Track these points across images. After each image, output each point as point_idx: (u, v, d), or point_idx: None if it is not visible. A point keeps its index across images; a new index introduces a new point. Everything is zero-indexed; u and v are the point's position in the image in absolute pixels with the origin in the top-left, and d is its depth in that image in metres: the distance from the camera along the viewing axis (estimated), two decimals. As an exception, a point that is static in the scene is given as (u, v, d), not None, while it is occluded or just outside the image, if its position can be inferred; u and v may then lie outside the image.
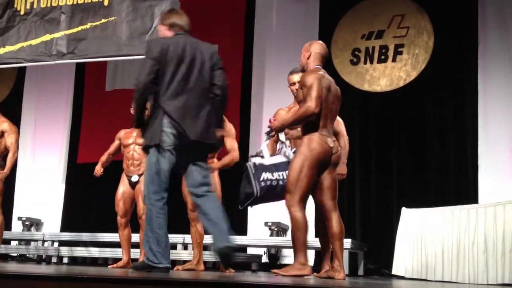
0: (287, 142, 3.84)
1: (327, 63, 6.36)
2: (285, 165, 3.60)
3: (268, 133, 3.64)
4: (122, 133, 5.01)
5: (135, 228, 4.82)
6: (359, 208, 6.10)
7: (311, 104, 3.40)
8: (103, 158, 5.02)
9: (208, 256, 5.46)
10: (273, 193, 3.59)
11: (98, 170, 4.97)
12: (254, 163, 3.63)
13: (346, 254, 5.46)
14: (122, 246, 4.82)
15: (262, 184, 3.57)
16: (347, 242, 5.43)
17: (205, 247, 5.67)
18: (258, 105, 6.71)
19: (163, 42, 3.42)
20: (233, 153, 4.45)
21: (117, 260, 5.16)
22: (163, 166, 3.36)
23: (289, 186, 3.43)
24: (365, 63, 6.42)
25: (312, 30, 6.57)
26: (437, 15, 6.18)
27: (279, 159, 3.67)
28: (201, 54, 3.48)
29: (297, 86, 3.91)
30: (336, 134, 3.82)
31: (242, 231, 6.23)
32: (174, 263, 5.52)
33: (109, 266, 4.90)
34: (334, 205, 3.53)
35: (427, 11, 6.23)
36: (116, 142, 4.99)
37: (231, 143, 4.47)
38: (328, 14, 6.56)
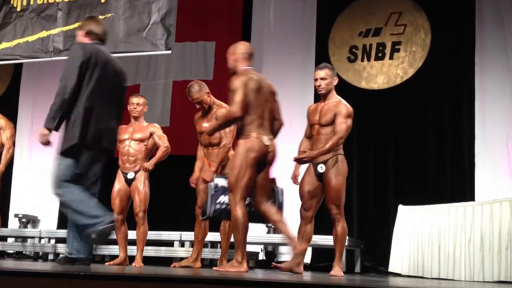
0: None
1: (324, 60, 6.43)
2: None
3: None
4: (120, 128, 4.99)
5: (132, 225, 4.81)
6: (356, 206, 6.10)
7: (233, 108, 3.55)
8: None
9: (207, 253, 5.47)
10: (227, 215, 3.70)
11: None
12: (216, 185, 3.76)
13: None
14: (118, 244, 4.82)
15: (217, 206, 3.72)
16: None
17: (204, 245, 5.69)
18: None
19: (90, 47, 3.52)
20: (221, 143, 4.45)
21: (114, 257, 5.15)
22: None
23: (230, 186, 3.58)
24: (362, 60, 6.42)
25: (309, 27, 6.58)
26: (434, 13, 6.19)
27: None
28: (114, 66, 3.64)
29: (319, 82, 4.08)
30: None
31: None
32: (171, 260, 5.53)
33: (106, 263, 4.90)
34: (266, 200, 3.66)
35: (424, 8, 6.23)
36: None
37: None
38: (326, 11, 6.56)
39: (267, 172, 3.66)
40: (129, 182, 4.75)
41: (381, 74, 6.34)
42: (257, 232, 6.07)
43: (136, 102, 4.86)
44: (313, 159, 3.95)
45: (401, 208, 5.22)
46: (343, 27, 6.54)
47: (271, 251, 5.98)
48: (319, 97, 4.22)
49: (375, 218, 6.01)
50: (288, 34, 6.65)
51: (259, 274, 3.75)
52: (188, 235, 5.53)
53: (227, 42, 6.93)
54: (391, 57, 6.30)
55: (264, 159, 3.60)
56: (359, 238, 5.90)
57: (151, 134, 4.83)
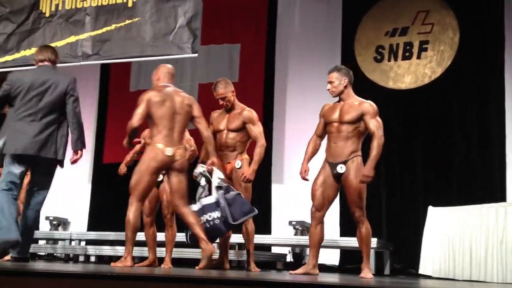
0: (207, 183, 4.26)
1: (350, 61, 6.39)
2: (213, 206, 4.14)
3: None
4: (146, 132, 5.05)
5: (161, 227, 4.85)
6: (385, 207, 6.04)
7: (131, 120, 4.05)
8: (128, 157, 5.08)
9: (233, 255, 5.48)
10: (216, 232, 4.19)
11: (122, 168, 5.05)
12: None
13: (372, 253, 5.43)
14: (148, 245, 4.86)
15: (206, 225, 4.13)
16: (373, 241, 5.40)
17: (231, 247, 5.70)
18: (281, 106, 6.70)
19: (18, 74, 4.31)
20: (259, 144, 4.44)
21: (143, 259, 5.20)
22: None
23: (130, 188, 4.05)
24: (389, 60, 6.36)
25: (335, 28, 6.54)
26: (462, 11, 6.10)
27: (205, 201, 4.19)
28: (55, 83, 4.16)
29: (328, 86, 4.13)
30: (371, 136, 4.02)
31: (266, 230, 6.23)
32: (197, 261, 5.55)
33: (135, 265, 4.94)
34: (184, 203, 4.07)
35: (452, 7, 6.14)
36: (143, 141, 5.02)
37: (255, 131, 4.46)
38: (351, 12, 6.52)
39: (179, 177, 4.06)
40: (157, 184, 4.79)
41: (409, 74, 6.27)
42: (284, 234, 6.08)
43: None
44: (373, 171, 3.89)
45: (431, 209, 5.15)
46: (369, 27, 6.49)
47: (299, 253, 5.96)
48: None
49: (404, 220, 5.94)
50: (313, 35, 6.63)
51: (287, 276, 3.75)
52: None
53: (252, 44, 7.00)
54: (418, 57, 6.23)
55: (167, 167, 4.06)
56: (388, 240, 5.84)
57: None
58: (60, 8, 6.01)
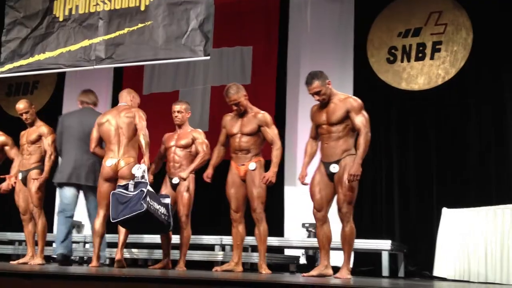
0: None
1: (363, 61, 6.36)
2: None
3: None
4: (165, 136, 5.08)
5: (175, 229, 4.86)
6: (398, 209, 6.01)
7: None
8: (152, 166, 5.01)
9: (246, 257, 5.47)
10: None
11: (150, 179, 4.87)
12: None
13: (386, 255, 5.40)
14: (162, 248, 4.88)
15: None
16: (387, 243, 5.36)
17: (244, 249, 5.69)
18: (293, 108, 6.67)
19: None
20: (276, 147, 4.47)
21: (157, 261, 5.21)
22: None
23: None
24: (402, 61, 6.33)
25: (347, 29, 6.52)
26: (476, 11, 6.05)
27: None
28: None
29: (316, 97, 4.12)
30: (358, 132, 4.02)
31: (279, 232, 6.22)
32: (212, 264, 5.55)
33: (149, 267, 4.96)
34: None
35: (465, 7, 6.10)
36: (162, 147, 5.05)
37: (271, 134, 4.48)
38: (364, 12, 6.50)
39: (112, 186, 4.69)
40: (174, 186, 4.81)
41: (422, 75, 6.23)
42: (297, 236, 6.06)
43: (177, 110, 4.94)
44: (360, 169, 3.89)
45: (445, 211, 5.10)
46: (381, 28, 6.47)
47: (312, 256, 5.93)
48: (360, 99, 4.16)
49: (418, 221, 5.89)
50: (325, 36, 6.61)
51: (300, 278, 3.73)
52: (229, 239, 5.54)
53: (264, 46, 7.00)
54: (431, 57, 6.19)
55: (113, 176, 4.75)
56: (402, 242, 5.80)
57: (194, 140, 4.88)
58: (73, 12, 6.06)
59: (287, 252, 6.21)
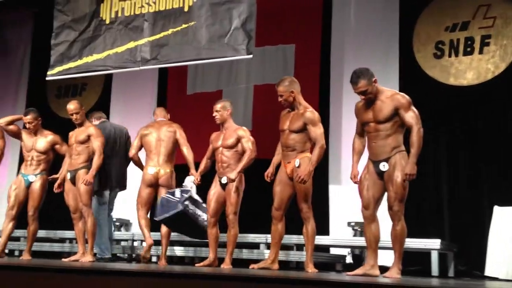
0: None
1: (408, 57, 6.23)
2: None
3: None
4: (213, 136, 5.13)
5: (223, 228, 4.90)
6: (447, 208, 5.85)
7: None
8: (201, 166, 5.09)
9: (283, 256, 5.46)
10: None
11: (196, 179, 5.02)
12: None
13: (435, 255, 5.27)
14: (209, 245, 4.92)
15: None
16: (436, 243, 5.24)
17: (289, 247, 5.68)
18: (337, 106, 6.60)
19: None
20: (318, 145, 4.43)
21: (203, 259, 5.26)
22: None
23: None
24: (449, 56, 6.17)
25: (392, 24, 6.40)
26: (527, 3, 5.84)
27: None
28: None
29: (362, 96, 4.06)
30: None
31: (324, 231, 6.17)
32: (256, 262, 5.55)
33: (195, 265, 5.01)
34: None
35: (515, -1, 5.89)
36: (210, 146, 5.10)
37: (314, 132, 4.45)
38: (409, 7, 6.36)
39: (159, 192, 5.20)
40: (223, 186, 4.86)
41: (471, 70, 6.05)
42: (343, 235, 5.99)
43: (216, 110, 5.01)
44: (415, 168, 3.82)
45: (496, 209, 4.95)
46: (428, 23, 6.32)
47: (359, 255, 5.86)
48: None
49: (468, 220, 5.72)
50: (369, 32, 6.51)
51: (346, 277, 3.69)
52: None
53: (307, 44, 6.94)
54: (480, 52, 6.00)
55: (154, 183, 5.23)
56: (452, 241, 5.65)
57: (239, 139, 4.90)
58: (119, 14, 6.18)
59: (333, 251, 6.15)
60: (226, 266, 4.73)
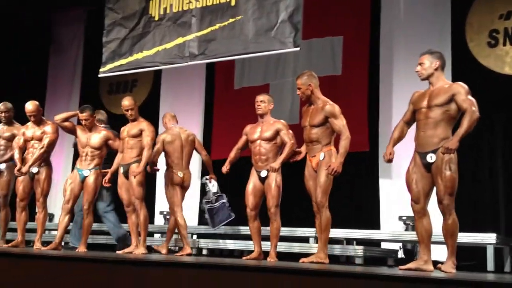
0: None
1: (461, 46, 6.05)
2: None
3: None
4: (248, 128, 5.13)
5: (265, 221, 4.91)
6: (503, 200, 5.67)
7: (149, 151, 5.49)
8: (232, 154, 5.17)
9: (339, 250, 5.42)
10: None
11: (226, 167, 5.12)
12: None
13: (490, 249, 5.12)
14: (253, 238, 4.94)
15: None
16: (492, 237, 5.09)
17: (338, 241, 5.63)
18: (387, 99, 6.47)
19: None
20: (343, 137, 4.47)
21: (249, 252, 5.29)
22: None
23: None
24: (504, 44, 5.95)
25: (443, 13, 6.22)
26: None
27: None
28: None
29: (418, 68, 4.03)
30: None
31: (375, 225, 6.09)
32: (306, 256, 5.54)
33: (243, 258, 5.05)
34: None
35: None
36: (244, 138, 5.13)
37: (338, 125, 4.48)
38: (461, -5, 6.18)
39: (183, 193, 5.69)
40: (262, 179, 4.86)
41: (527, 58, 5.82)
42: (394, 230, 5.90)
43: (260, 100, 5.03)
44: (457, 145, 3.74)
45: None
46: (481, 11, 6.11)
47: (411, 249, 5.75)
48: None
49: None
50: (420, 22, 6.34)
51: (399, 272, 3.63)
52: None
53: (355, 35, 6.83)
54: (537, 40, 5.77)
55: (182, 184, 5.63)
56: (507, 235, 5.47)
57: (278, 132, 4.91)
58: (168, 11, 6.27)
59: (384, 245, 6.06)
60: (271, 260, 4.74)
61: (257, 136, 4.97)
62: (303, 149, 4.80)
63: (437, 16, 6.24)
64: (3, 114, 6.15)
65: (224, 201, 5.62)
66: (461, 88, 3.85)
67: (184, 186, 5.66)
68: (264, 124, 5.00)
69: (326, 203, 4.48)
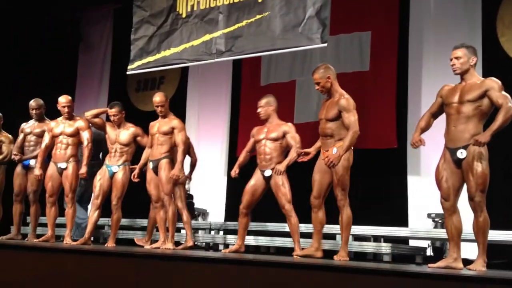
0: None
1: (492, 41, 5.93)
2: None
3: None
4: (255, 130, 5.24)
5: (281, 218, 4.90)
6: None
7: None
8: (241, 158, 5.26)
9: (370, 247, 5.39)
10: None
11: (234, 171, 5.20)
12: None
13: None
14: (238, 232, 5.06)
15: None
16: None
17: (366, 239, 5.59)
18: (416, 95, 6.39)
19: None
20: (351, 131, 4.43)
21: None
22: None
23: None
24: (536, 39, 5.82)
25: (474, 8, 6.10)
26: None
27: None
28: None
29: (453, 61, 3.95)
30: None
31: (403, 222, 6.03)
32: (333, 253, 5.50)
33: (222, 251, 5.04)
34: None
35: None
36: (252, 140, 5.20)
37: (348, 119, 4.45)
38: (492, -11, 6.05)
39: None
40: (266, 179, 4.95)
41: (561, 53, 5.68)
42: (423, 227, 5.83)
43: (259, 105, 5.14)
44: (489, 139, 3.69)
45: None
46: (512, 5, 5.98)
47: (439, 247, 5.68)
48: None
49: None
50: (450, 17, 6.24)
51: (428, 269, 3.58)
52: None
53: (383, 31, 6.75)
54: None
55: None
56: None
57: (284, 134, 4.99)
58: (195, 8, 6.29)
59: (412, 243, 6.00)
60: (298, 254, 4.72)
61: (263, 136, 5.06)
62: (312, 149, 4.75)
63: (468, 10, 6.13)
64: (34, 111, 6.26)
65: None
66: (494, 83, 3.79)
67: (181, 183, 5.67)
68: (271, 125, 5.09)
69: (347, 200, 4.46)
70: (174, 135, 5.46)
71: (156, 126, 5.57)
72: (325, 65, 4.68)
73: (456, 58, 3.92)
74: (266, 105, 5.11)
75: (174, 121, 5.53)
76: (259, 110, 5.13)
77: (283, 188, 4.85)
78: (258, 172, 5.02)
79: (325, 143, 4.55)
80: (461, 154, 3.77)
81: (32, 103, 6.27)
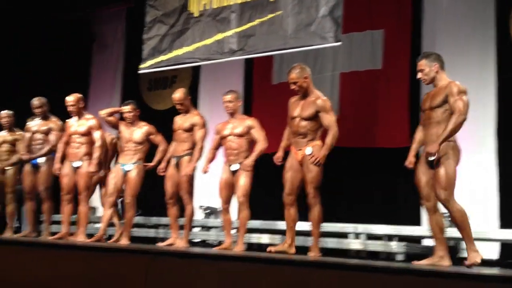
0: None
1: (506, 40, 5.89)
2: None
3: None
4: (219, 126, 5.32)
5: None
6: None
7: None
8: (209, 155, 5.35)
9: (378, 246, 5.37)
10: None
11: (205, 168, 5.30)
12: None
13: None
14: (225, 230, 5.19)
15: None
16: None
17: (377, 237, 5.58)
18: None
19: None
20: (331, 132, 4.51)
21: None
22: None
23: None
24: (550, 37, 5.77)
25: (487, 6, 6.06)
26: None
27: None
28: None
29: (419, 75, 4.06)
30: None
31: (416, 221, 6.01)
32: (346, 252, 5.51)
33: (214, 248, 5.02)
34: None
35: None
36: (217, 137, 5.26)
37: (328, 120, 4.53)
38: (506, -12, 6.01)
39: None
40: (233, 172, 5.08)
41: None
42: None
43: (228, 100, 5.20)
44: (435, 148, 3.76)
45: None
46: (527, 2, 5.93)
47: (454, 246, 5.64)
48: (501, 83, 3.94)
49: None
50: (463, 16, 6.20)
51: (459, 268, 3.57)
52: (364, 228, 5.48)
53: (396, 29, 6.72)
54: None
55: None
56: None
57: (249, 129, 5.07)
58: (207, 7, 6.33)
59: (425, 242, 5.97)
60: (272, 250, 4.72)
61: (228, 132, 5.14)
62: (280, 152, 4.83)
63: (481, 10, 6.09)
64: (37, 110, 6.23)
65: None
66: (454, 88, 3.83)
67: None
68: (235, 120, 5.16)
69: (318, 198, 4.55)
70: (194, 132, 5.43)
71: (179, 122, 5.54)
72: (300, 65, 4.74)
73: (420, 71, 4.01)
74: (235, 100, 5.19)
75: (195, 118, 5.50)
76: (226, 105, 5.19)
77: (242, 181, 4.97)
78: (225, 167, 5.14)
79: (297, 142, 4.62)
80: (431, 157, 3.83)
81: (34, 101, 6.20)
